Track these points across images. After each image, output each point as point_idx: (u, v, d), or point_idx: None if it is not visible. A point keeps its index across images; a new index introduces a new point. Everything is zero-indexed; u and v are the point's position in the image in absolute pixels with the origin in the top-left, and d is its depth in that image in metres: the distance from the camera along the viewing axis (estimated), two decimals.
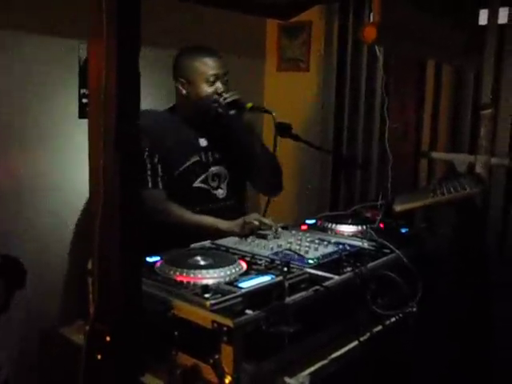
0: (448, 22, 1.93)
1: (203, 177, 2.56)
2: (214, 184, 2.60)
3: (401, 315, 1.86)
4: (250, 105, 2.48)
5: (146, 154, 2.43)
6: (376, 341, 1.77)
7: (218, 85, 2.52)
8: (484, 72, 2.80)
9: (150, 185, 2.43)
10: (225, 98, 2.48)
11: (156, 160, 2.45)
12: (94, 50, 1.34)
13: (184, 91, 2.55)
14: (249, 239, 2.12)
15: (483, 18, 2.69)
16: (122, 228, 1.36)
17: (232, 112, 2.48)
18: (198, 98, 2.53)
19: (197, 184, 2.55)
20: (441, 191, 2.28)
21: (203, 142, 2.60)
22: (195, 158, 2.55)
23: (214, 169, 2.60)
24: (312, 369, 1.56)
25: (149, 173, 2.43)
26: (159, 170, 2.45)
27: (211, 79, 2.51)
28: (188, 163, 2.52)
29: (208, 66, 2.52)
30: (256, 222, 2.23)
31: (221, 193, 2.61)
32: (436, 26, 1.82)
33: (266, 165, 2.62)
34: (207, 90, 2.51)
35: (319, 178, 3.56)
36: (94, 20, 1.33)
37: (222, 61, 2.56)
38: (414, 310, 1.84)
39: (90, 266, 1.58)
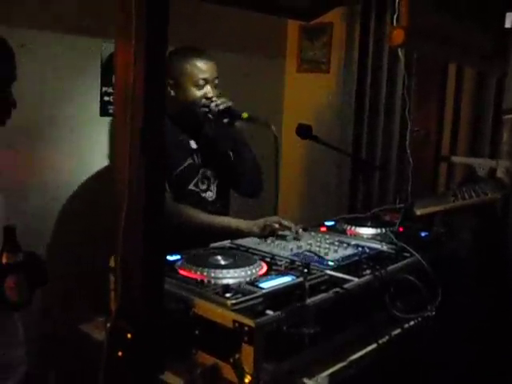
0: (474, 25, 1.92)
1: (195, 180, 2.54)
2: (204, 187, 2.57)
3: (419, 319, 1.85)
4: (246, 115, 2.41)
5: None
6: (394, 344, 1.77)
7: (207, 89, 2.47)
8: (508, 76, 2.78)
9: None
10: (217, 105, 2.43)
11: None
12: (121, 51, 1.35)
13: (172, 93, 2.49)
14: (268, 240, 2.12)
15: (509, 21, 2.66)
16: (146, 228, 1.37)
17: (225, 120, 2.44)
18: (185, 101, 2.48)
19: (190, 187, 2.52)
20: (461, 196, 2.27)
21: (193, 144, 2.57)
22: (189, 161, 2.52)
23: (203, 171, 2.57)
24: (331, 370, 1.55)
25: None
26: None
27: (200, 83, 2.46)
28: (184, 165, 2.49)
29: (198, 69, 2.46)
30: (276, 225, 2.23)
31: (210, 195, 2.59)
32: (462, 29, 1.81)
33: (249, 168, 2.62)
34: (196, 93, 2.47)
35: (338, 180, 3.56)
36: (121, 20, 1.33)
37: (214, 64, 2.51)
38: (433, 313, 1.84)
39: (112, 263, 1.60)
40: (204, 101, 2.46)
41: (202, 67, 2.46)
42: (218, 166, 2.61)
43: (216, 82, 2.51)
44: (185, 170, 2.49)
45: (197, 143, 2.57)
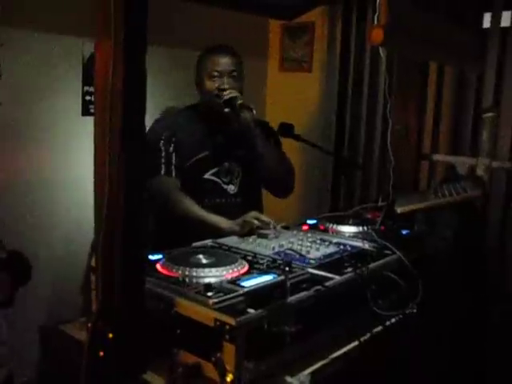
0: (453, 24, 1.94)
1: (215, 170, 2.60)
2: (226, 179, 2.63)
3: (401, 316, 1.86)
4: (240, 102, 2.46)
5: (162, 142, 2.51)
6: (376, 341, 1.78)
7: (221, 81, 2.54)
8: (486, 75, 2.81)
9: (162, 171, 2.49)
10: (223, 96, 2.50)
11: (171, 149, 2.51)
12: (100, 50, 1.34)
13: (198, 88, 2.63)
14: (250, 239, 2.12)
15: (487, 21, 2.69)
16: (125, 226, 1.36)
17: (226, 110, 2.49)
18: (204, 94, 2.60)
19: (207, 176, 2.59)
20: (442, 193, 2.29)
21: (219, 138, 2.63)
22: (208, 152, 2.59)
23: (227, 164, 2.63)
24: (312, 368, 1.56)
25: (163, 160, 2.50)
26: (173, 158, 2.50)
27: (214, 74, 2.54)
28: (198, 157, 2.57)
29: (213, 62, 2.56)
30: (255, 221, 2.24)
31: (232, 188, 2.64)
32: (441, 28, 1.83)
33: (275, 165, 2.63)
34: (209, 85, 2.56)
35: (320, 178, 3.57)
36: (101, 19, 1.33)
37: (231, 58, 2.59)
38: (414, 311, 1.85)
39: (93, 263, 1.59)
40: (217, 92, 2.53)
41: (216, 60, 2.56)
42: (242, 161, 2.66)
43: (234, 74, 2.57)
44: (199, 160, 2.57)
45: (224, 137, 2.64)
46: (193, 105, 2.74)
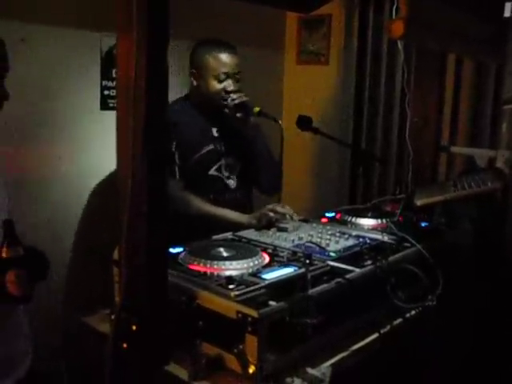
0: (473, 14, 1.92)
1: (217, 165, 2.59)
2: (226, 173, 2.62)
3: (421, 308, 1.86)
4: (257, 109, 2.46)
5: None
6: (396, 333, 1.78)
7: (228, 83, 2.52)
8: (506, 66, 2.78)
9: None
10: (232, 99, 2.48)
11: (173, 148, 2.46)
12: (122, 44, 1.35)
13: (195, 82, 2.57)
14: (270, 232, 2.13)
15: (508, 10, 2.66)
16: (149, 220, 1.37)
17: (239, 114, 2.49)
18: (206, 93, 2.55)
19: (212, 172, 2.58)
20: (461, 186, 2.28)
21: (215, 132, 2.62)
22: (210, 147, 2.58)
23: (226, 159, 2.62)
24: (333, 360, 1.57)
25: None
26: (176, 158, 2.47)
27: (221, 77, 2.50)
28: (203, 151, 2.55)
29: (220, 62, 2.51)
30: (271, 213, 2.24)
31: (232, 183, 2.64)
32: (461, 18, 1.81)
33: (266, 165, 2.64)
34: (216, 86, 2.52)
35: (338, 171, 3.57)
36: (122, 14, 1.34)
37: (236, 58, 2.55)
38: (434, 303, 1.85)
39: (115, 256, 1.61)
40: (223, 94, 2.51)
41: (223, 60, 2.51)
42: (239, 155, 2.66)
43: (238, 76, 2.55)
44: (204, 155, 2.55)
45: (219, 131, 2.62)
46: (185, 96, 2.68)
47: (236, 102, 2.47)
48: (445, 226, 2.32)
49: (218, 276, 1.60)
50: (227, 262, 1.66)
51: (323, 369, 1.50)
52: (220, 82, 2.51)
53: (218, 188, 2.58)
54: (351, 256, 1.87)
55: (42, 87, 2.58)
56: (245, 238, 2.05)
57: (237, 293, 1.47)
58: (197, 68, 2.55)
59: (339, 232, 2.14)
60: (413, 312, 1.86)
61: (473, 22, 2.02)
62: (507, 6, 2.37)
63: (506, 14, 2.49)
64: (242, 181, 2.68)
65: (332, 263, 1.78)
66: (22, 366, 1.88)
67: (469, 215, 2.36)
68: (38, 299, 1.73)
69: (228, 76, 2.51)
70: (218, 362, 1.46)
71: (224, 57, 2.52)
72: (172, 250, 1.82)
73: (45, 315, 2.47)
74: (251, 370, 1.39)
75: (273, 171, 2.63)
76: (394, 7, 1.77)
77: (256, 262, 1.69)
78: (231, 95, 2.49)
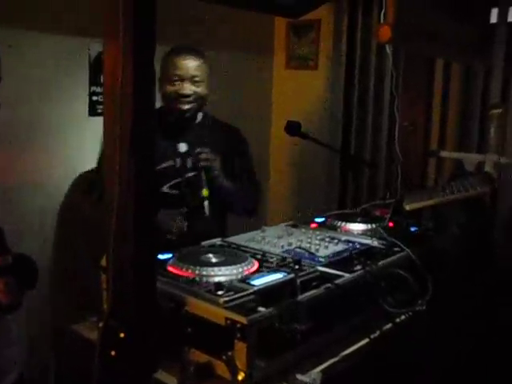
0: (460, 20, 1.93)
1: (173, 182, 2.49)
2: (187, 190, 2.49)
3: (410, 313, 1.86)
4: (206, 193, 2.36)
5: None
6: (386, 338, 1.78)
7: (181, 86, 2.45)
8: (493, 71, 2.80)
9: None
10: (199, 160, 2.41)
11: None
12: (109, 50, 1.34)
13: (159, 91, 2.50)
14: (259, 237, 2.13)
15: (494, 16, 2.69)
16: (137, 227, 1.37)
17: (188, 114, 2.50)
18: (163, 99, 2.50)
19: (164, 189, 2.49)
20: (450, 190, 2.29)
21: (183, 147, 2.50)
22: (168, 163, 2.49)
23: (190, 175, 2.50)
24: (323, 366, 1.56)
25: None
26: None
27: (173, 79, 2.45)
28: (160, 167, 2.45)
29: (173, 65, 2.46)
30: None
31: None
32: (448, 24, 1.82)
33: (243, 191, 2.59)
34: (169, 89, 2.47)
35: (327, 176, 3.57)
36: (109, 19, 1.33)
37: (197, 62, 2.48)
38: (424, 307, 1.85)
39: (103, 262, 1.60)
40: (178, 98, 2.46)
41: (177, 64, 2.46)
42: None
43: (197, 79, 2.47)
44: (160, 172, 2.44)
45: (189, 146, 2.50)
46: (158, 108, 2.50)
47: (201, 164, 2.40)
48: (434, 231, 2.32)
49: (207, 282, 1.59)
50: (216, 268, 1.65)
51: (313, 375, 1.50)
52: (173, 84, 2.46)
53: (170, 206, 2.44)
54: (341, 261, 1.87)
55: (29, 94, 2.56)
56: (234, 243, 2.05)
57: (226, 299, 1.46)
58: (159, 75, 2.49)
59: (329, 237, 2.13)
60: (403, 317, 1.86)
61: (460, 28, 2.03)
62: (493, 11, 2.40)
63: (493, 19, 2.52)
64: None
65: (321, 268, 1.78)
66: (11, 374, 1.86)
67: (458, 220, 2.37)
68: (26, 307, 1.72)
69: (182, 79, 2.45)
70: (207, 369, 1.45)
71: (178, 60, 2.46)
72: (160, 257, 1.81)
73: (33, 323, 2.45)
74: (241, 376, 1.38)
75: (248, 195, 2.61)
76: (382, 12, 1.77)
77: (245, 268, 1.68)
78: (200, 156, 2.41)
